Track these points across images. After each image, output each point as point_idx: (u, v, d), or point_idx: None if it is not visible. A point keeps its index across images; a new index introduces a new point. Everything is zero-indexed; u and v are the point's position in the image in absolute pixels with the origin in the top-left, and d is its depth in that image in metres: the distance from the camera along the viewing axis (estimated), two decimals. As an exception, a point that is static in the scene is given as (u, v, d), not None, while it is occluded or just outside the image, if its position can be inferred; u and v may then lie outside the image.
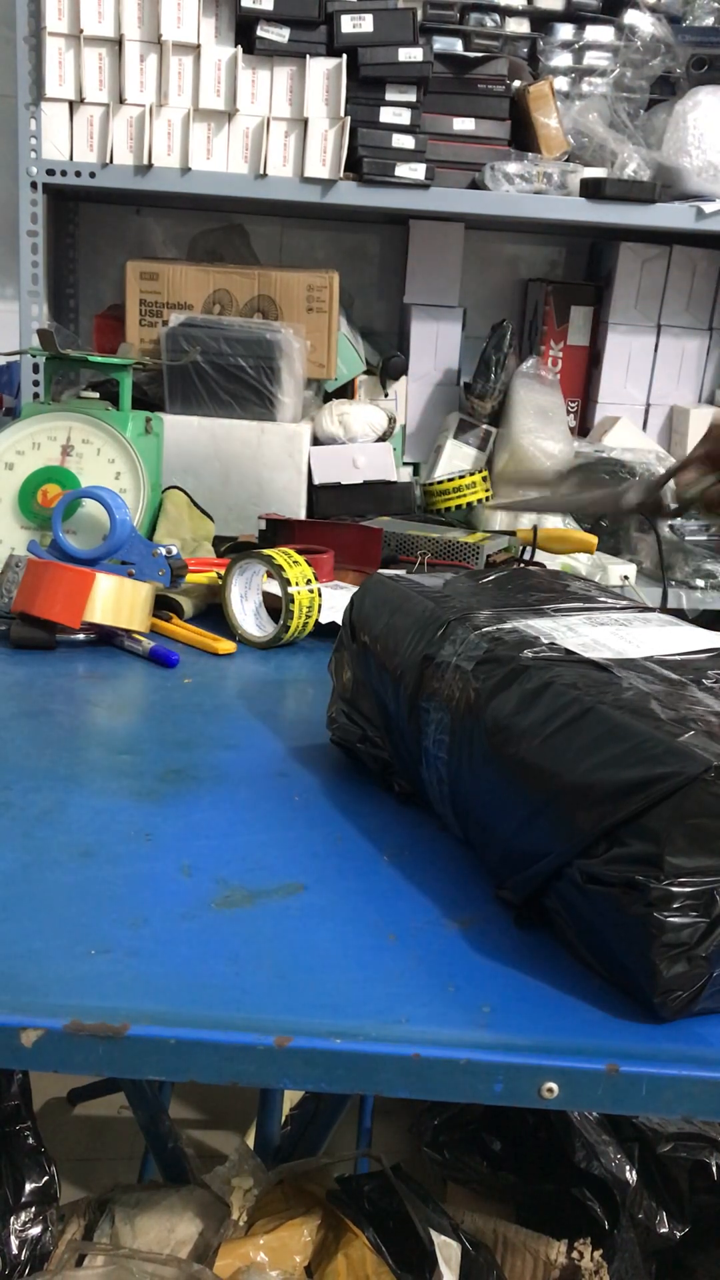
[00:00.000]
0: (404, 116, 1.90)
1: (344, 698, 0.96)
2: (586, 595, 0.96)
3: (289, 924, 0.70)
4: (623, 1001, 0.64)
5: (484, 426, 2.11)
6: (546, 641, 0.79)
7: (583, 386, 2.31)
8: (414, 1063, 0.59)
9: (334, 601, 1.33)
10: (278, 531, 1.56)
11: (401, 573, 1.02)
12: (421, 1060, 0.59)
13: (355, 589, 1.42)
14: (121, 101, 1.87)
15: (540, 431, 2.05)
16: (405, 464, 2.22)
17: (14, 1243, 1.18)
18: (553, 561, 1.73)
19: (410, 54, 1.86)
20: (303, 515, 1.85)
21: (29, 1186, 1.24)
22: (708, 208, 1.96)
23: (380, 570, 1.06)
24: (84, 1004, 0.60)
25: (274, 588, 1.32)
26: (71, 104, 1.87)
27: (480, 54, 1.94)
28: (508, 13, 1.99)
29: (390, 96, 1.90)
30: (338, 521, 1.67)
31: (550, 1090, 0.59)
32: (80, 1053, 0.59)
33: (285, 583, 1.23)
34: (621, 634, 0.84)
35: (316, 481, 1.91)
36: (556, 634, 0.81)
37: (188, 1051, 0.59)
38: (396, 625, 0.89)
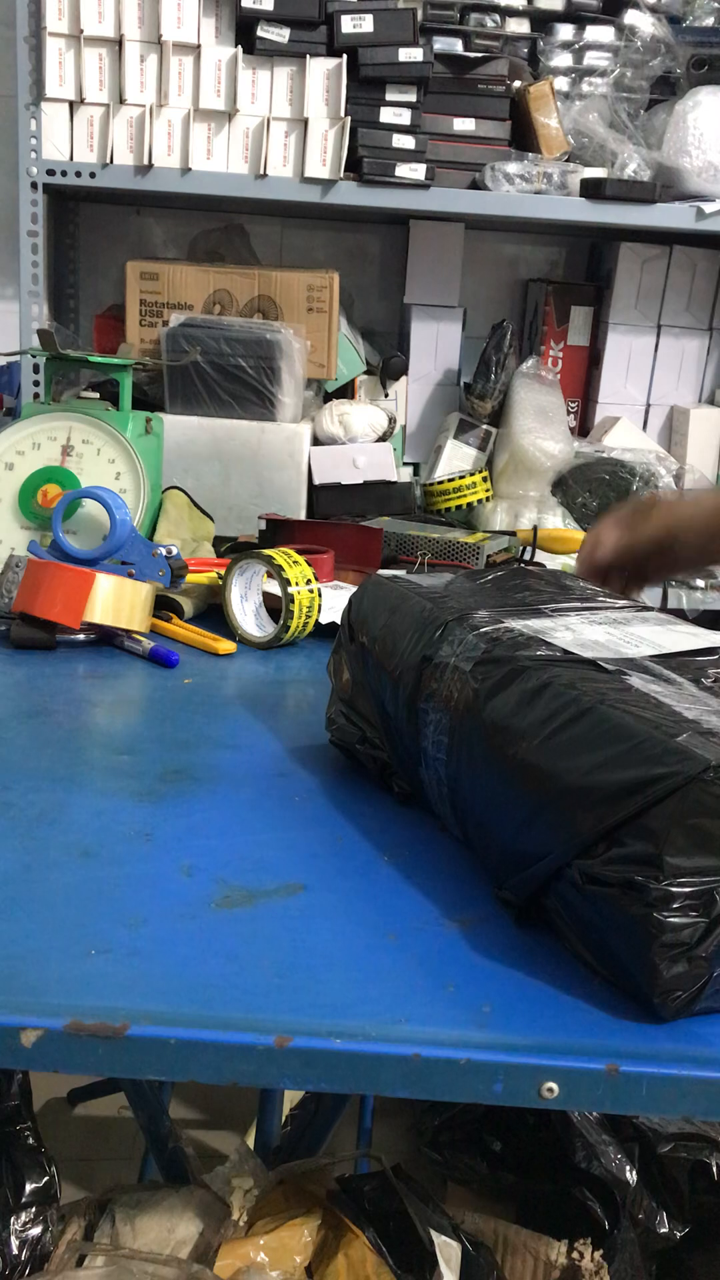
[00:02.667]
0: (404, 116, 1.90)
1: (343, 698, 0.96)
2: (585, 594, 0.96)
3: (289, 924, 0.70)
4: (623, 1001, 0.64)
5: (484, 426, 2.11)
6: (545, 641, 0.79)
7: (583, 386, 2.31)
8: (414, 1063, 0.59)
9: (334, 602, 1.33)
10: (278, 531, 1.56)
11: (400, 573, 1.02)
12: (421, 1060, 0.59)
13: (355, 589, 1.42)
14: (121, 102, 1.87)
15: (540, 431, 2.05)
16: (405, 464, 2.22)
17: (14, 1243, 1.18)
18: (553, 561, 1.73)
19: (410, 54, 1.86)
20: (303, 515, 1.85)
21: (29, 1186, 1.23)
22: (708, 208, 1.96)
23: (379, 570, 1.06)
24: (84, 1004, 0.61)
25: (274, 588, 1.32)
26: (71, 104, 1.87)
27: (480, 54, 1.94)
28: (508, 13, 1.99)
29: (390, 96, 1.90)
30: (338, 521, 1.67)
31: (550, 1090, 0.59)
32: (80, 1053, 0.59)
33: (285, 583, 1.23)
34: (620, 633, 0.84)
35: (316, 481, 1.91)
36: (555, 634, 0.81)
37: (188, 1051, 0.59)
38: (395, 626, 0.89)
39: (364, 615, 0.94)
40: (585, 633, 0.83)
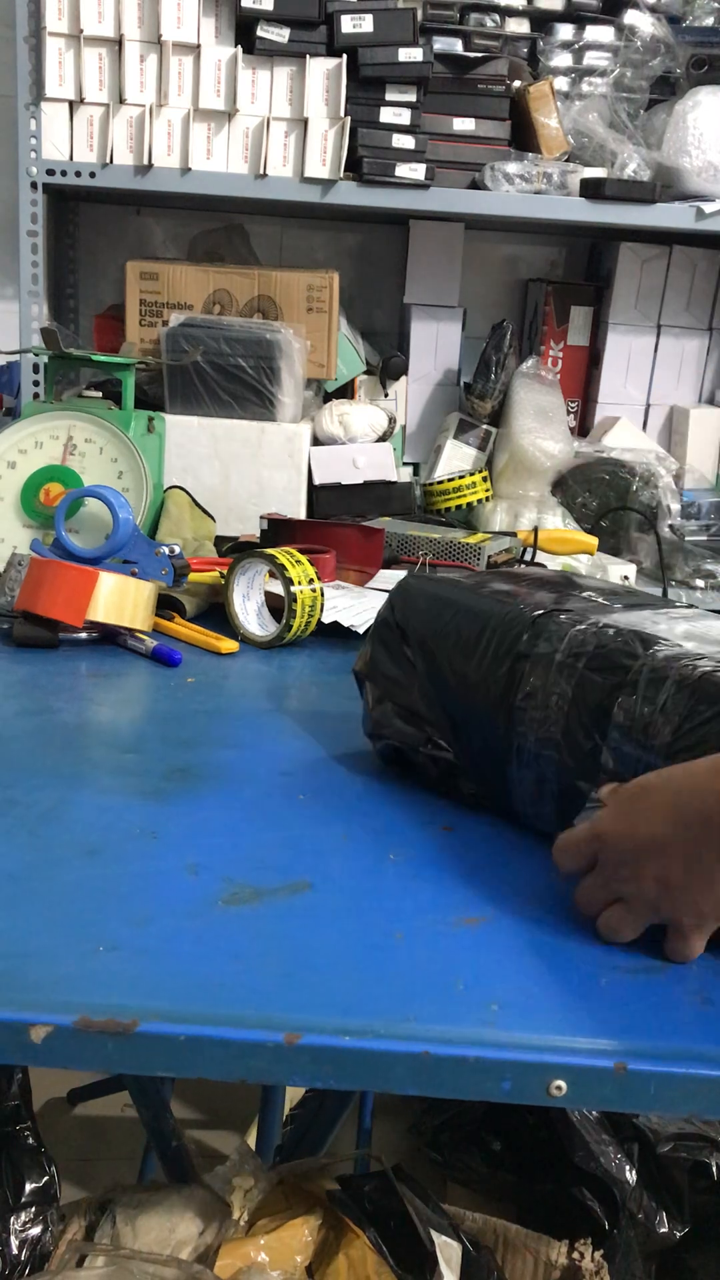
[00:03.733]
0: (404, 116, 1.90)
1: (395, 701, 0.94)
2: (617, 591, 0.96)
3: (296, 922, 0.70)
4: (631, 999, 0.64)
5: (484, 426, 2.11)
6: (666, 638, 0.79)
7: (583, 386, 2.31)
8: (423, 1060, 0.59)
9: (336, 601, 1.33)
10: (279, 531, 1.55)
11: (450, 574, 1.01)
12: (430, 1058, 0.59)
13: (358, 589, 1.42)
14: (121, 101, 1.87)
15: (540, 431, 2.05)
16: (405, 464, 2.22)
17: (14, 1243, 1.18)
18: (553, 562, 1.73)
19: (410, 54, 1.86)
20: (303, 515, 1.85)
21: (29, 1186, 1.23)
22: (708, 208, 1.96)
23: (413, 574, 1.03)
24: (92, 1001, 0.60)
25: (276, 587, 1.32)
26: (71, 104, 1.87)
27: (480, 54, 1.94)
28: (508, 13, 1.99)
29: (390, 96, 1.90)
30: (339, 521, 1.67)
31: (559, 1088, 0.59)
32: (89, 1049, 0.59)
33: (288, 582, 1.23)
34: (701, 629, 0.84)
35: (316, 481, 1.91)
36: (659, 628, 0.81)
37: (197, 1048, 0.59)
38: (463, 626, 0.88)
39: (418, 615, 0.93)
40: (681, 628, 0.82)
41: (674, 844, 0.67)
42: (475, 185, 1.97)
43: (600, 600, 0.90)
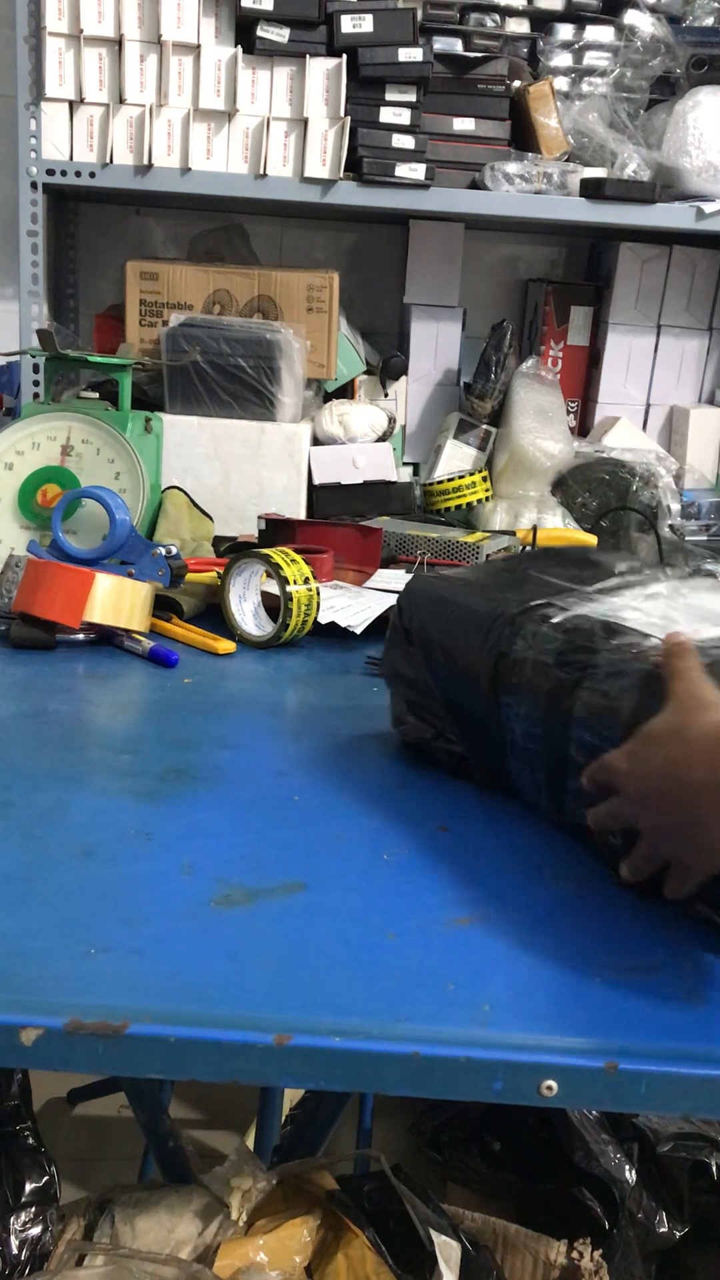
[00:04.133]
0: (404, 116, 1.90)
1: (408, 699, 0.97)
2: (615, 566, 0.97)
3: (289, 922, 0.70)
4: (622, 999, 0.64)
5: (484, 426, 2.11)
6: (623, 625, 0.80)
7: (583, 386, 2.30)
8: (414, 1061, 0.59)
9: (333, 601, 1.33)
10: (278, 531, 1.56)
11: (448, 571, 1.03)
12: (421, 1058, 0.59)
13: (356, 588, 1.42)
14: (121, 101, 1.87)
15: (540, 431, 2.05)
16: (405, 464, 2.22)
17: (14, 1243, 1.18)
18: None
19: (410, 54, 1.86)
20: (303, 515, 1.85)
21: (29, 1186, 1.23)
22: (708, 208, 1.96)
23: (419, 576, 1.04)
24: (84, 1002, 0.61)
25: (273, 587, 1.32)
26: (71, 104, 1.87)
27: (480, 54, 1.94)
28: (508, 13, 1.98)
29: (390, 96, 1.90)
30: (338, 521, 1.67)
31: (550, 1088, 0.59)
32: (80, 1051, 0.59)
33: (283, 582, 1.23)
34: (681, 606, 0.85)
35: (316, 481, 1.91)
36: (626, 616, 0.82)
37: (188, 1050, 0.59)
38: (458, 625, 0.90)
39: (420, 616, 0.95)
40: (652, 610, 0.83)
41: (667, 802, 0.70)
42: (475, 185, 1.97)
43: (597, 587, 0.91)
